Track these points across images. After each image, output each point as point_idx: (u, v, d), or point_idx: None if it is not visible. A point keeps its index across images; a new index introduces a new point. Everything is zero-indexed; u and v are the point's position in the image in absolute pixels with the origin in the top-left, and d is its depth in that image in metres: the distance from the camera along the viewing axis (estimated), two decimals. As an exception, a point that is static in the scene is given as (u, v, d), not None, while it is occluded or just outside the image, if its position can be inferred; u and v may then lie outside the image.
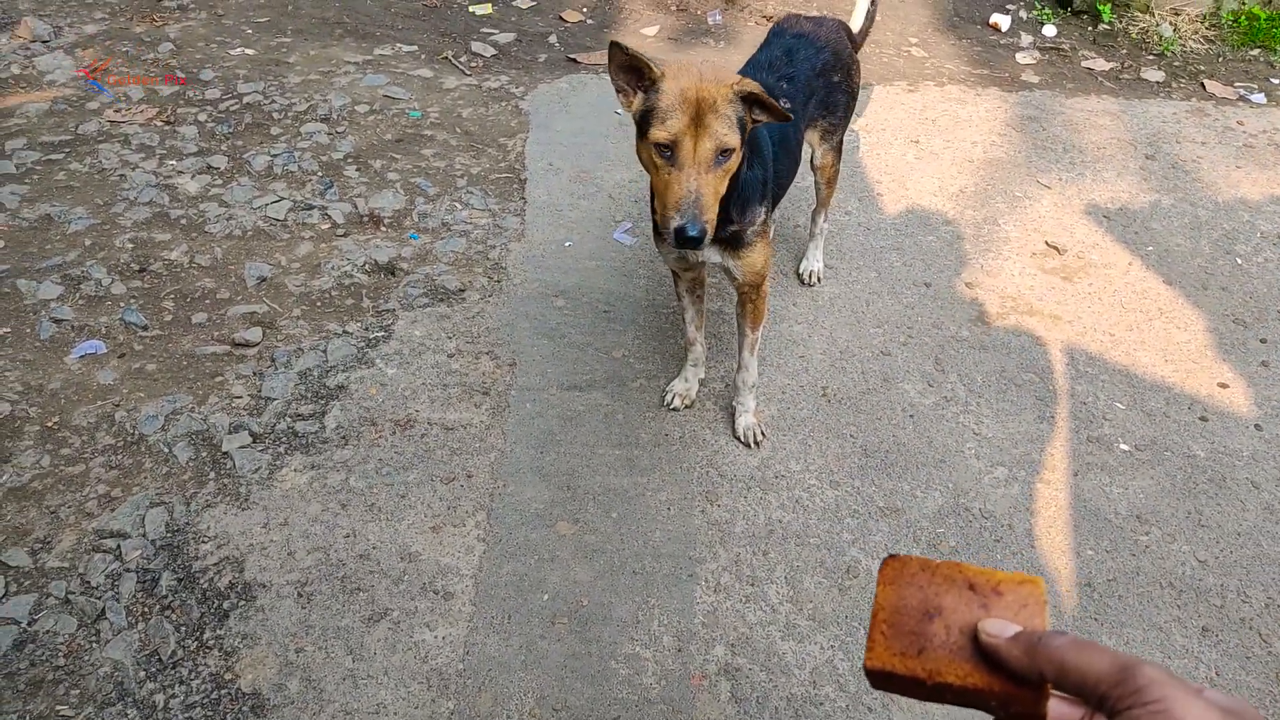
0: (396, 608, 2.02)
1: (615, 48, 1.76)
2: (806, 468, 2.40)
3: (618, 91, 1.85)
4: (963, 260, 3.12)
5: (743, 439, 2.45)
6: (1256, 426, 2.60)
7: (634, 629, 2.02)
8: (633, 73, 1.80)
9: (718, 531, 2.23)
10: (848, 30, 2.67)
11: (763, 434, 2.46)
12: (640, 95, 1.82)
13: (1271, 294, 3.08)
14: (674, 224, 1.75)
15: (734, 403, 2.48)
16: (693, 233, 1.74)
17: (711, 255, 2.16)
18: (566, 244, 3.04)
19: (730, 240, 2.12)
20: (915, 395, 2.62)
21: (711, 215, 1.79)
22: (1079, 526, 2.30)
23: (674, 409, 2.51)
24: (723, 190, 1.85)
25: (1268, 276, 3.16)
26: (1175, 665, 2.03)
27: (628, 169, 3.40)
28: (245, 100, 3.58)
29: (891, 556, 0.77)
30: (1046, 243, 3.22)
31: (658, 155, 1.79)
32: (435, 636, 1.97)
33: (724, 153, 1.78)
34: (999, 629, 0.68)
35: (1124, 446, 2.51)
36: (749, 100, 1.81)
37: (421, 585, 2.06)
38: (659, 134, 1.76)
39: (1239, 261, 3.22)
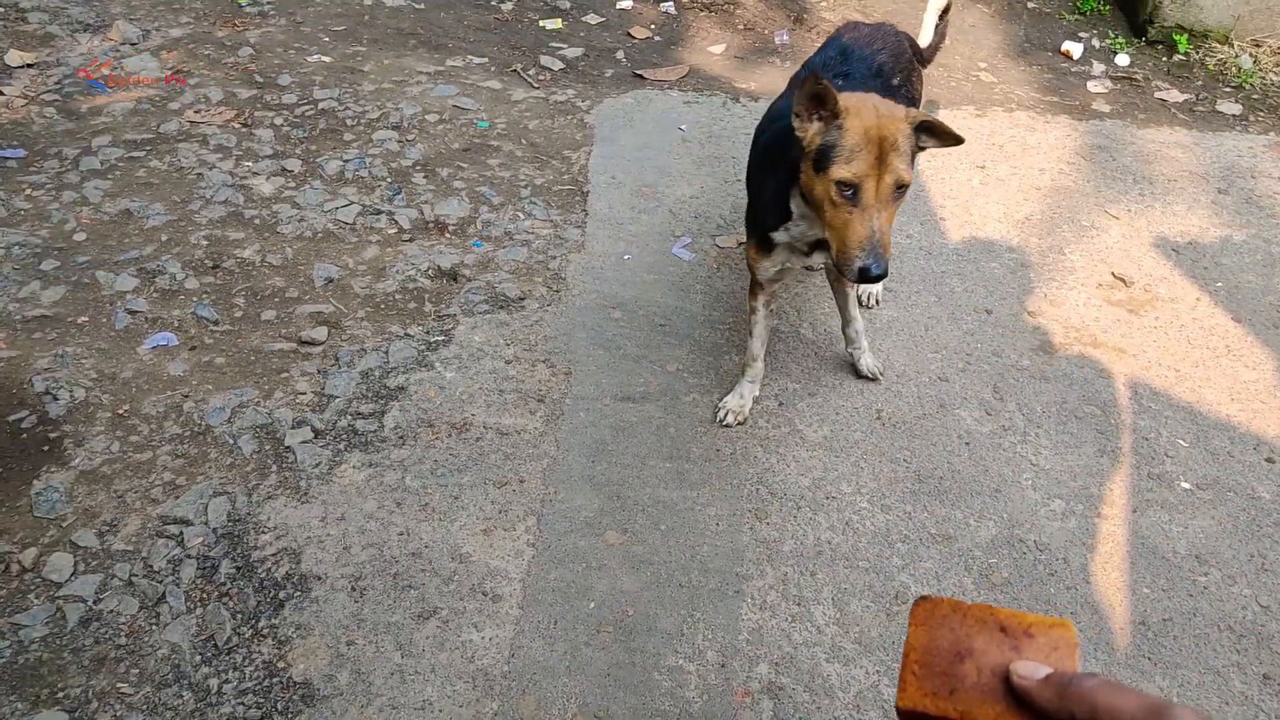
0: (446, 607, 2.05)
1: (812, 76, 1.77)
2: (858, 490, 2.38)
3: (794, 115, 1.87)
4: (1026, 288, 3.08)
5: (869, 374, 2.67)
6: (1328, 472, 2.52)
7: (678, 641, 2.03)
8: (815, 101, 1.82)
9: (766, 549, 2.23)
10: (912, 41, 2.68)
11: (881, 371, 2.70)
12: (818, 124, 1.84)
13: (1348, 336, 2.98)
14: (858, 264, 1.79)
15: (852, 350, 2.66)
16: (877, 271, 1.79)
17: (820, 259, 2.23)
18: (625, 257, 3.07)
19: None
20: (972, 423, 2.59)
21: (889, 250, 1.82)
22: (1136, 564, 2.25)
23: (727, 425, 2.52)
24: (893, 220, 1.87)
25: (1345, 318, 3.06)
26: (1233, 712, 1.97)
27: (689, 184, 3.42)
28: (320, 106, 3.69)
29: (923, 598, 0.78)
30: (1113, 274, 3.16)
31: (838, 193, 1.81)
32: (482, 637, 2.00)
33: (901, 188, 1.81)
34: (1030, 670, 0.69)
35: (1185, 485, 2.45)
36: (920, 128, 1.84)
37: (471, 586, 2.09)
38: (843, 173, 1.78)
39: (1314, 301, 3.13)
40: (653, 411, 2.55)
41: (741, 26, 4.61)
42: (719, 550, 2.22)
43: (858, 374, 2.68)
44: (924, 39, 2.77)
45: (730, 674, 1.97)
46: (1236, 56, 4.61)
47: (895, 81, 2.54)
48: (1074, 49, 4.52)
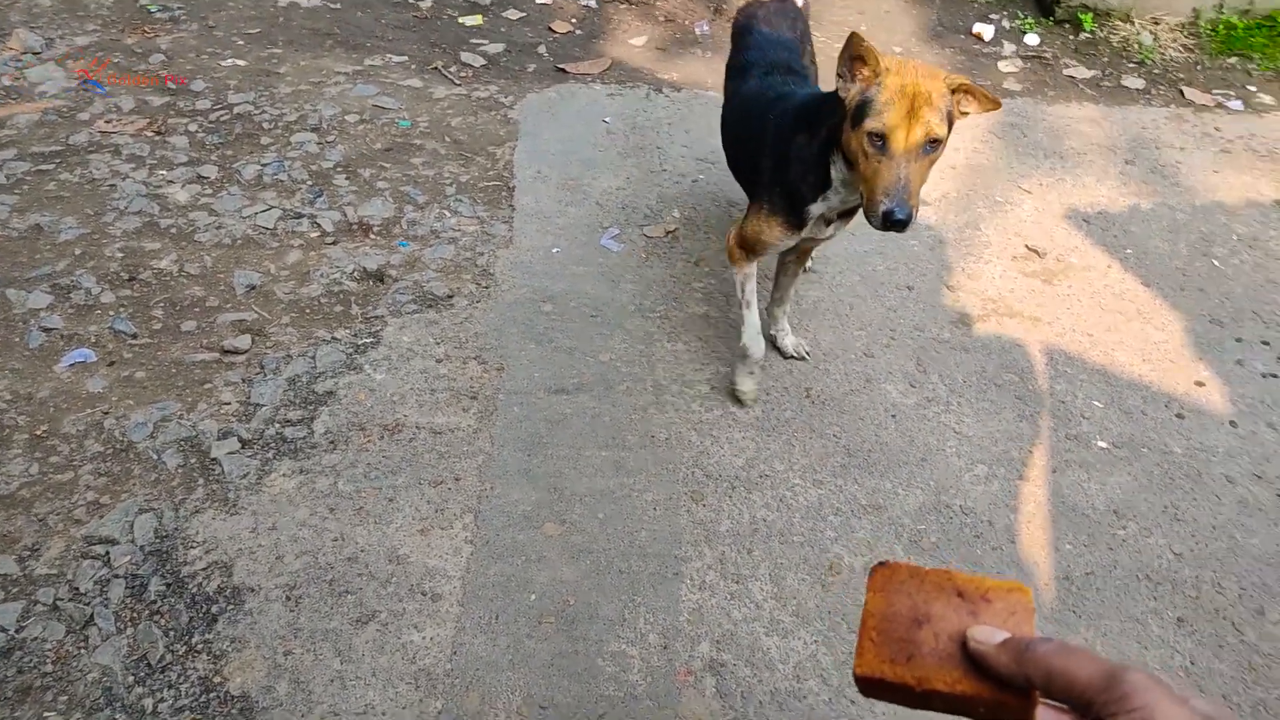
0: (384, 609, 2.04)
1: (854, 37, 1.86)
2: (790, 467, 2.43)
3: (838, 77, 1.95)
4: (945, 264, 3.17)
5: (795, 353, 2.74)
6: (1231, 423, 2.65)
7: (620, 627, 2.05)
8: (858, 62, 1.90)
9: (703, 530, 2.26)
10: (803, 11, 2.77)
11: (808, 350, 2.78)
12: (858, 85, 1.91)
13: (1247, 295, 3.13)
14: (883, 207, 1.84)
15: (776, 330, 2.73)
16: (900, 215, 1.83)
17: (841, 227, 2.32)
18: (554, 250, 3.08)
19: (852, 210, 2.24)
20: (897, 396, 2.66)
21: (917, 201, 1.88)
22: (1057, 522, 2.34)
23: (751, 406, 2.59)
24: (927, 178, 1.94)
25: (1243, 278, 3.21)
26: (1151, 656, 2.06)
27: (614, 176, 3.44)
28: (236, 110, 3.61)
29: (881, 564, 0.77)
30: (1027, 246, 3.27)
31: (870, 144, 1.87)
32: (423, 637, 2.00)
33: (933, 142, 1.86)
34: (987, 635, 0.69)
35: (1102, 444, 2.55)
36: (958, 91, 1.90)
37: (409, 587, 2.09)
38: (875, 124, 1.84)
39: (1215, 263, 3.27)
40: (587, 402, 2.56)
41: (662, 18, 4.64)
42: (657, 535, 2.24)
43: (784, 354, 2.73)
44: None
45: (673, 655, 2.00)
46: (1138, 34, 4.78)
47: (805, 59, 2.62)
48: (985, 30, 4.65)
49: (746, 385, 2.57)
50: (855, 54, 1.89)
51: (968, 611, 0.72)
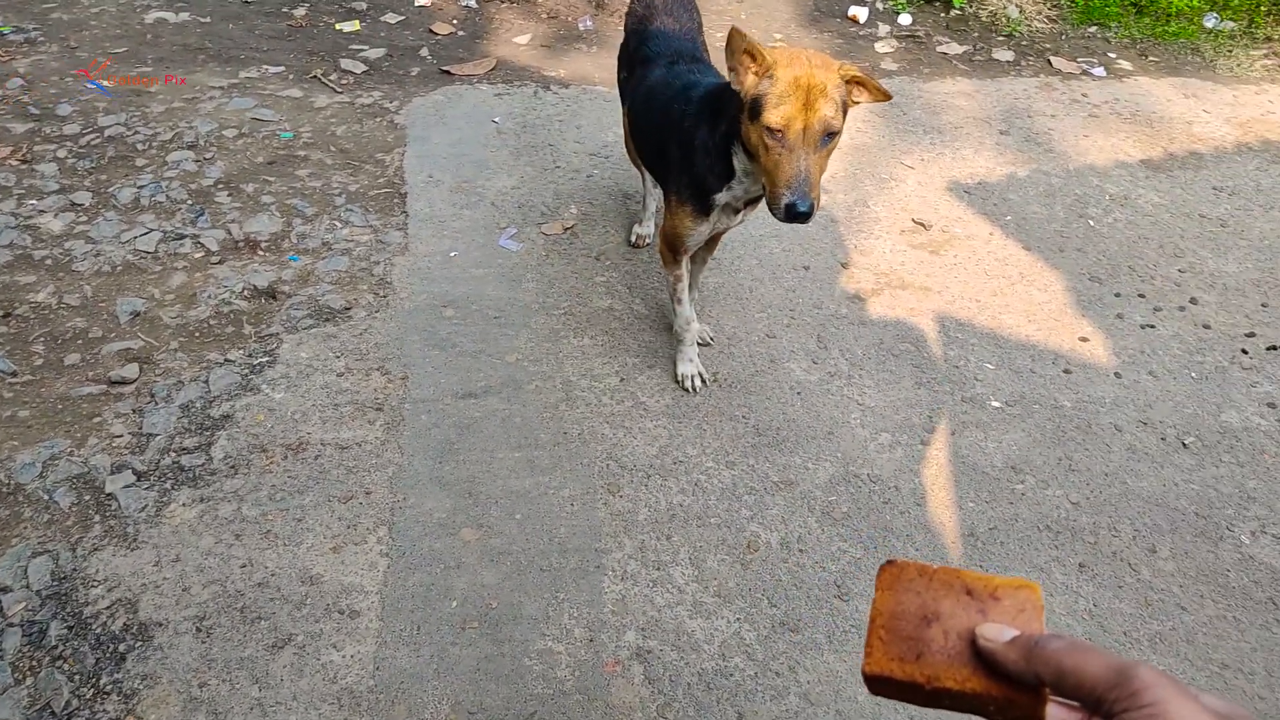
0: (301, 632, 1.99)
1: (735, 33, 1.88)
2: (703, 451, 2.47)
3: (730, 71, 1.96)
4: (838, 242, 3.25)
5: (701, 340, 2.79)
6: (1116, 374, 2.80)
7: (545, 625, 2.04)
8: (747, 56, 1.91)
9: (621, 521, 2.27)
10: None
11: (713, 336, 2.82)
12: (751, 79, 1.93)
13: (1122, 251, 3.32)
14: (785, 200, 1.87)
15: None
16: (803, 208, 1.86)
17: (748, 214, 2.36)
18: (452, 254, 3.04)
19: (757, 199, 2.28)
20: (801, 373, 2.72)
21: (818, 192, 1.91)
22: (960, 481, 2.43)
23: (695, 390, 2.63)
24: (826, 168, 1.97)
25: (1118, 235, 3.40)
26: (1057, 602, 2.17)
27: (508, 176, 3.42)
28: (107, 133, 3.45)
29: (889, 562, 0.77)
30: (913, 220, 3.39)
31: (769, 137, 1.89)
32: (343, 656, 1.96)
33: (830, 134, 1.88)
34: (996, 633, 0.68)
35: (996, 403, 2.67)
36: (851, 82, 1.93)
37: (325, 607, 2.04)
38: (772, 117, 1.86)
39: (1091, 223, 3.45)
40: (496, 404, 2.55)
41: (545, 15, 4.62)
42: (576, 530, 2.25)
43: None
44: None
45: (599, 647, 2.01)
46: (1005, 7, 5.00)
47: (702, 41, 2.67)
48: (860, 13, 4.79)
49: (687, 369, 2.63)
50: (742, 49, 1.92)
51: (976, 609, 0.71)
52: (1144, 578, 2.23)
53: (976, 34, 4.79)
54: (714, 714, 1.91)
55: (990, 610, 0.71)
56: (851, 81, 1.95)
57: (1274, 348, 2.91)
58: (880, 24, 4.79)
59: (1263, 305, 3.09)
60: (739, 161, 2.12)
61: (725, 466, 2.43)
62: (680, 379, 2.63)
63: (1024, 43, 4.77)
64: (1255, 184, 3.75)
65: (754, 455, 2.47)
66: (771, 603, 2.12)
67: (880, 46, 4.59)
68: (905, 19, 4.83)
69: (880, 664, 0.71)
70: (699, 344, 2.77)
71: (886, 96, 2.00)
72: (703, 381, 2.64)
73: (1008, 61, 4.57)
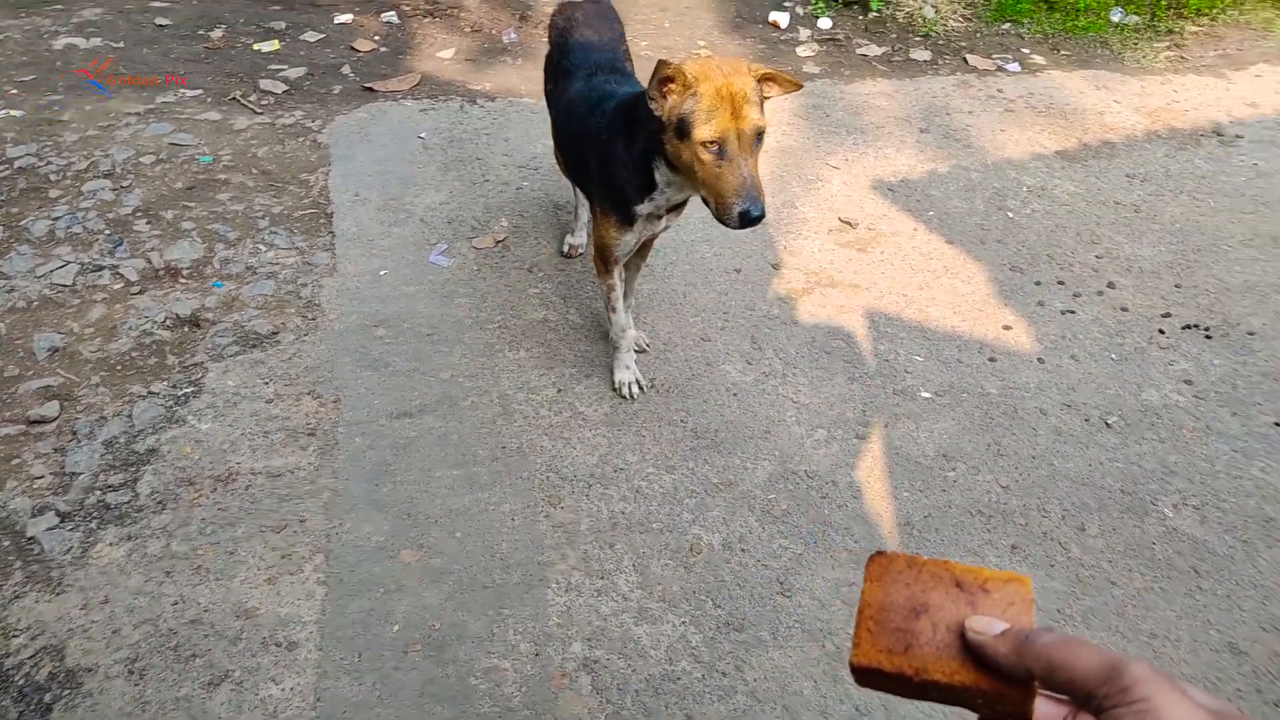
0: (237, 667, 1.94)
1: (662, 64, 1.90)
2: (643, 457, 2.47)
3: (649, 99, 1.97)
4: (768, 244, 3.30)
5: (637, 347, 2.75)
6: (1039, 360, 2.88)
7: (490, 643, 2.03)
8: (667, 82, 1.93)
9: (564, 533, 2.27)
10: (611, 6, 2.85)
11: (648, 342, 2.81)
12: (672, 100, 1.94)
13: (1040, 241, 3.42)
14: (738, 209, 1.90)
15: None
16: (756, 212, 1.90)
17: (673, 220, 2.41)
18: (381, 273, 3.01)
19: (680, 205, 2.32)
20: (737, 375, 2.75)
21: (764, 193, 1.94)
22: (894, 472, 2.48)
23: (634, 397, 2.64)
24: (758, 167, 2.00)
25: (1036, 225, 3.50)
26: (990, 584, 2.22)
27: (436, 191, 3.39)
28: (16, 165, 3.34)
29: (879, 553, 0.76)
30: (840, 219, 3.45)
31: (705, 152, 1.92)
32: (282, 689, 1.91)
33: (760, 134, 1.93)
34: (985, 626, 0.68)
35: (925, 394, 2.72)
36: (763, 80, 1.97)
37: (262, 640, 1.99)
38: (707, 133, 1.89)
39: (1010, 215, 3.55)
40: (432, 423, 2.52)
41: (468, 29, 4.60)
42: (518, 544, 2.24)
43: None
44: None
45: (545, 661, 2.00)
46: (921, 8, 5.12)
47: (625, 47, 2.69)
48: (781, 18, 4.87)
49: (624, 376, 2.64)
50: (665, 76, 1.93)
51: (966, 602, 0.71)
52: (1074, 555, 2.30)
53: (895, 35, 4.91)
54: (663, 718, 1.91)
55: (980, 603, 0.71)
56: (763, 79, 1.99)
57: (1189, 326, 3.03)
58: (801, 28, 4.87)
59: (1176, 286, 3.21)
60: (661, 174, 2.15)
61: (665, 471, 2.44)
62: (618, 386, 2.63)
63: (940, 42, 4.89)
64: (1165, 170, 3.90)
65: (693, 458, 2.48)
66: (716, 604, 2.14)
67: (802, 50, 4.67)
68: (825, 23, 4.92)
69: (868, 656, 0.71)
70: (635, 351, 2.77)
71: (797, 86, 2.06)
72: (640, 388, 2.65)
73: (925, 61, 4.69)
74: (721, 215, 1.96)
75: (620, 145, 2.20)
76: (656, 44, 4.63)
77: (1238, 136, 4.20)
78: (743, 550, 2.26)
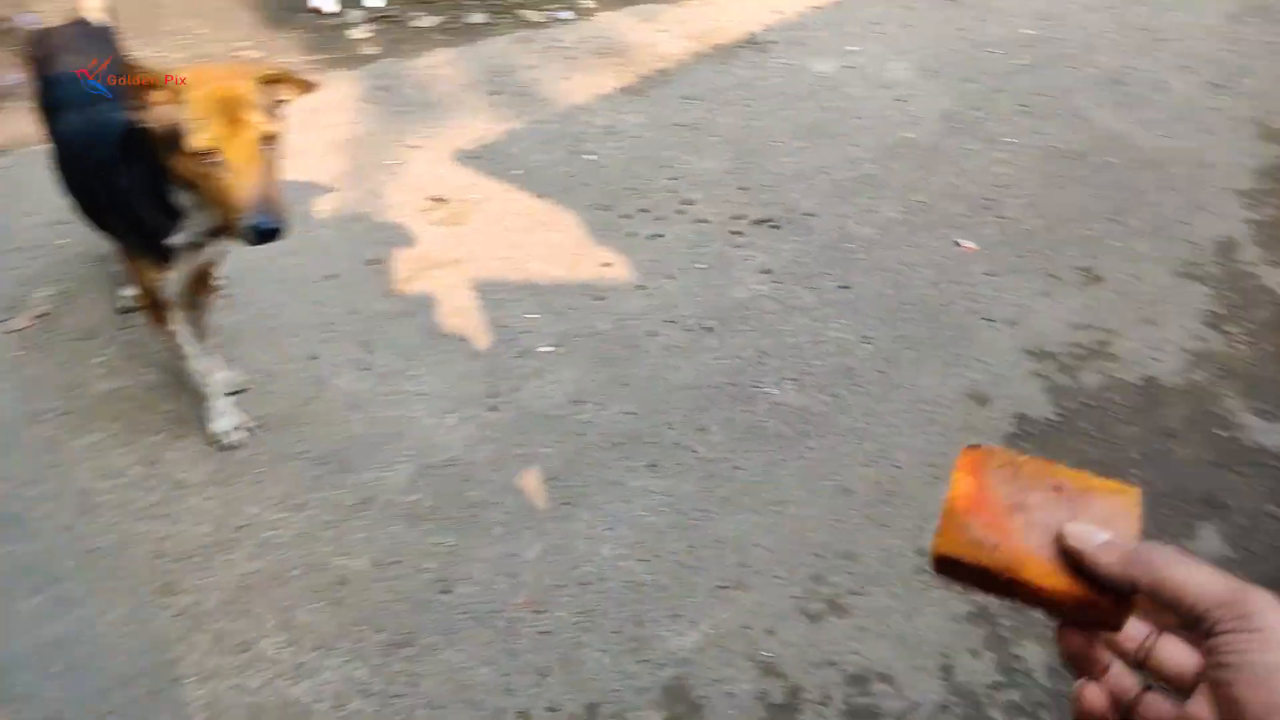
0: None
1: (136, 70, 1.74)
2: (265, 506, 2.26)
3: (130, 111, 1.79)
4: (360, 240, 3.14)
5: (233, 388, 2.47)
6: (640, 287, 3.02)
7: (124, 773, 1.76)
8: (148, 89, 1.75)
9: (188, 619, 2.01)
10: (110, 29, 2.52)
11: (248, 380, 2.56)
12: (162, 109, 1.75)
13: (619, 176, 3.57)
14: (247, 222, 1.73)
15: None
16: (270, 224, 1.73)
17: (223, 245, 2.15)
18: (-113, 394, 2.45)
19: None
20: (353, 385, 2.59)
21: (282, 202, 1.77)
22: (530, 431, 2.49)
23: (239, 444, 2.38)
24: (277, 176, 1.80)
25: (613, 162, 3.66)
26: (637, 505, 2.31)
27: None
28: None
29: (973, 445, 0.71)
30: (430, 198, 3.37)
31: (202, 164, 1.74)
32: None
33: (268, 139, 1.76)
34: (1088, 534, 0.64)
35: (545, 348, 2.75)
36: (271, 82, 1.83)
37: None
38: (200, 142, 1.71)
39: (589, 158, 3.68)
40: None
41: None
42: (136, 651, 1.95)
43: (223, 394, 2.50)
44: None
45: (198, 765, 1.77)
46: (466, -27, 5.10)
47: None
48: (324, 4, 4.61)
49: (222, 424, 2.38)
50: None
51: (1065, 506, 0.67)
52: (702, 455, 2.46)
53: (447, 2, 4.85)
54: (343, 772, 1.78)
55: (1081, 510, 0.67)
56: (271, 81, 1.85)
57: (759, 222, 3.33)
58: (350, 10, 4.66)
59: (741, 189, 3.52)
60: (183, 199, 1.93)
61: (294, 511, 2.25)
62: (217, 437, 2.37)
63: (494, 3, 4.91)
64: (713, 87, 4.24)
65: (323, 487, 2.31)
66: (376, 628, 2.02)
67: (355, 33, 4.47)
68: (374, 1, 4.74)
69: (953, 547, 0.66)
70: (233, 393, 2.51)
71: (311, 87, 1.95)
72: (246, 430, 2.41)
73: (482, 24, 4.69)
74: (234, 232, 1.80)
75: (135, 174, 1.95)
76: (196, 54, 4.19)
77: (771, 43, 4.68)
78: (394, 563, 2.15)
